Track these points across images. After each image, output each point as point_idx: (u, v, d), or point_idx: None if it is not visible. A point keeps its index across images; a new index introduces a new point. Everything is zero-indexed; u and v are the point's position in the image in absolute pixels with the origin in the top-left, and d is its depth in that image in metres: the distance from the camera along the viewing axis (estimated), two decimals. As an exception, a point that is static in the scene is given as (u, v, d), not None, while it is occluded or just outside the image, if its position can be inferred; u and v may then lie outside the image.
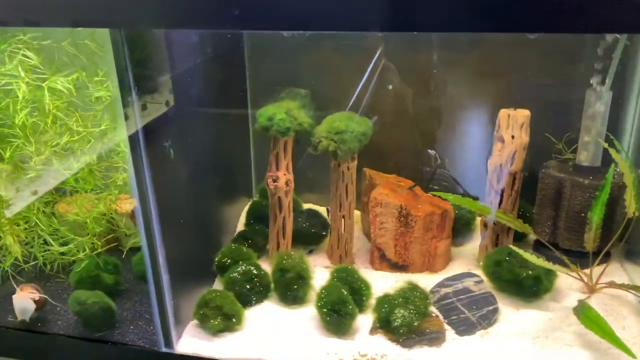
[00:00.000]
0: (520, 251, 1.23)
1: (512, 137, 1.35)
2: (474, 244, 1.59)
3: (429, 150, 1.67)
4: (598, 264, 1.34)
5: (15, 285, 1.37)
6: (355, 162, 1.44)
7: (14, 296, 1.33)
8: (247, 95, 1.67)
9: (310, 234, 1.56)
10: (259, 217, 1.61)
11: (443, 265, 1.52)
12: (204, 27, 1.15)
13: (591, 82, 1.33)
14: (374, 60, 1.56)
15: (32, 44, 1.33)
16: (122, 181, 1.32)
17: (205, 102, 1.41)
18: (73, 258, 1.38)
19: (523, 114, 1.35)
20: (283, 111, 1.37)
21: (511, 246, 1.30)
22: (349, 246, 1.52)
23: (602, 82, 1.33)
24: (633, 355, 1.05)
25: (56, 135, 1.25)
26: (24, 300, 1.31)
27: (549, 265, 1.22)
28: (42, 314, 1.36)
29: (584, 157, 1.38)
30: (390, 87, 1.63)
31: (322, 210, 1.66)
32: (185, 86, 1.27)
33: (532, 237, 1.49)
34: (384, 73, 1.59)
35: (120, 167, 1.34)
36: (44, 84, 1.22)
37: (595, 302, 1.29)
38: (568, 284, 1.37)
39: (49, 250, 1.38)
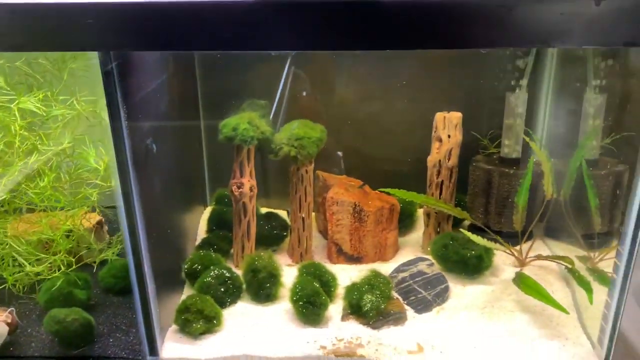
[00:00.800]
0: (468, 233, 1.43)
1: (449, 136, 1.55)
2: (417, 233, 1.77)
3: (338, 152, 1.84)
4: (525, 242, 1.58)
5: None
6: (313, 165, 1.57)
7: (-17, 321, 1.30)
8: (199, 108, 1.73)
9: (272, 235, 1.66)
10: (220, 223, 1.68)
11: (393, 254, 1.68)
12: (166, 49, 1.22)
13: (512, 85, 1.57)
14: (285, 70, 1.70)
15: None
16: (94, 196, 1.34)
17: (161, 116, 1.46)
18: (45, 277, 1.37)
19: (456, 116, 1.55)
20: (246, 121, 1.46)
21: (464, 231, 1.49)
22: (309, 244, 1.64)
23: (519, 86, 1.56)
24: (566, 312, 1.27)
25: (23, 154, 1.25)
26: (-4, 324, 1.29)
27: (490, 244, 1.42)
28: (13, 337, 1.34)
29: (507, 151, 1.61)
30: (304, 93, 1.78)
31: (282, 213, 1.76)
32: (143, 101, 1.32)
33: (467, 222, 1.71)
34: (295, 81, 1.74)
35: (89, 182, 1.36)
36: (12, 105, 1.22)
37: (527, 273, 1.52)
38: (502, 260, 1.59)
39: (20, 271, 1.36)
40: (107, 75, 1.06)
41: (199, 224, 1.80)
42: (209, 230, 1.71)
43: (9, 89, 1.26)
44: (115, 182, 1.14)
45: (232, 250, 1.62)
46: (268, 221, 1.67)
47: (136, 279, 1.23)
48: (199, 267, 1.49)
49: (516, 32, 0.98)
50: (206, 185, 1.86)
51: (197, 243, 1.66)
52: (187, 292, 1.51)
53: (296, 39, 1.01)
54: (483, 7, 0.96)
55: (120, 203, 1.15)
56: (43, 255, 1.34)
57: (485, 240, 1.43)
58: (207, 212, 1.83)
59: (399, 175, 1.78)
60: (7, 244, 1.32)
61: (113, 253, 1.50)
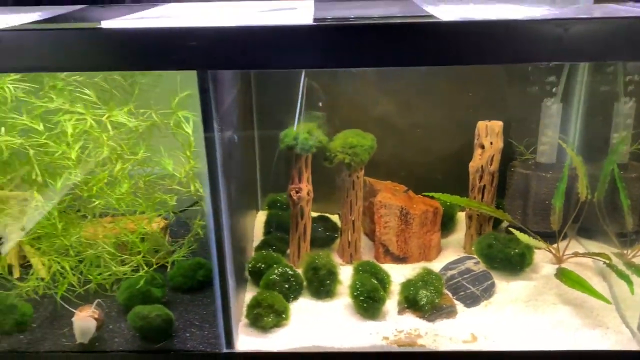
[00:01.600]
0: (517, 232, 1.55)
1: (491, 143, 1.68)
2: (457, 234, 1.90)
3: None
4: (560, 241, 1.70)
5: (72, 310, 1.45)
6: (363, 171, 1.69)
7: (74, 318, 1.40)
8: (254, 118, 1.85)
9: (324, 237, 1.78)
10: (277, 226, 1.80)
11: (436, 255, 1.80)
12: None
13: (547, 96, 1.70)
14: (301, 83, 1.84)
15: (73, 82, 1.44)
16: (173, 201, 1.46)
17: (233, 128, 1.58)
18: (125, 276, 1.48)
19: (498, 124, 1.68)
20: (305, 131, 1.58)
21: (514, 230, 1.61)
22: (358, 245, 1.76)
23: (554, 96, 1.69)
24: (608, 302, 1.39)
25: (111, 164, 1.36)
26: (86, 321, 1.39)
27: (536, 242, 1.55)
28: (98, 334, 1.44)
29: (544, 157, 1.74)
30: (320, 104, 1.90)
31: (334, 216, 1.88)
32: (224, 114, 1.44)
33: (504, 224, 1.84)
34: (310, 93, 1.87)
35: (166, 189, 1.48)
36: (103, 118, 1.33)
37: (565, 269, 1.65)
38: (540, 258, 1.71)
39: (104, 272, 1.47)
40: (204, 92, 1.18)
41: (254, 226, 1.91)
42: (266, 232, 1.82)
43: (100, 103, 1.38)
44: (205, 188, 1.26)
45: (288, 251, 1.74)
46: (320, 224, 1.79)
47: (219, 276, 1.34)
48: (262, 265, 1.60)
49: (572, 48, 1.11)
50: (258, 191, 1.98)
51: (255, 244, 1.78)
52: (249, 289, 1.63)
53: (354, 57, 1.13)
54: (544, 26, 1.10)
55: (209, 207, 1.27)
56: (126, 256, 1.46)
57: (531, 238, 1.56)
58: (260, 215, 1.95)
59: (438, 180, 1.91)
60: (95, 246, 1.43)
61: (184, 255, 1.61)
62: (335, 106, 1.85)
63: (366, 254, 1.82)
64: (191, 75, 1.48)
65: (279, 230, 1.80)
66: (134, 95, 1.56)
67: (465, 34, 1.11)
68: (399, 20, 1.16)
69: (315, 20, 1.13)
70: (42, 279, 1.46)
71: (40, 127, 1.31)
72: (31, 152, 1.32)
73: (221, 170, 1.25)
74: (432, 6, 1.42)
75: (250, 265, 1.62)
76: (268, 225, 1.84)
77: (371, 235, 1.86)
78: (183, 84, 1.52)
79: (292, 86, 1.86)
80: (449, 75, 1.84)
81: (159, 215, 1.55)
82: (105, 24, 1.13)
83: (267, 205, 1.95)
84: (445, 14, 1.23)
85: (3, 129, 1.33)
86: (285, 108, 1.80)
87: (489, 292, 1.57)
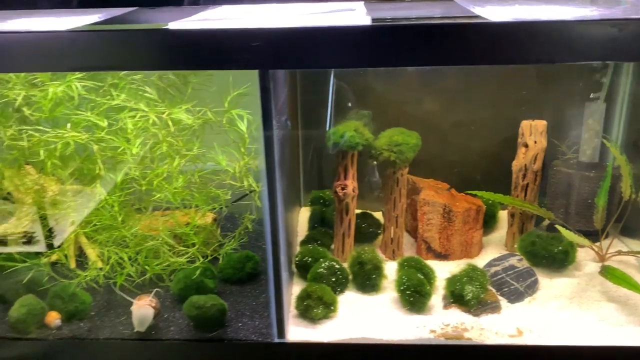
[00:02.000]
0: (564, 230, 1.57)
1: (535, 142, 1.70)
2: (498, 232, 1.92)
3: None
4: (603, 239, 1.71)
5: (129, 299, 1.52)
6: (407, 169, 1.72)
7: (132, 307, 1.47)
8: (298, 118, 1.90)
9: (368, 233, 1.82)
10: (321, 221, 1.85)
11: (477, 252, 1.83)
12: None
13: (590, 96, 1.71)
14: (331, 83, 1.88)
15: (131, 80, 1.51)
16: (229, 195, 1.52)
17: (284, 126, 1.63)
18: (179, 267, 1.54)
19: (542, 124, 1.70)
20: (352, 129, 1.63)
21: (561, 228, 1.63)
22: (401, 241, 1.79)
23: (597, 97, 1.71)
24: (656, 299, 1.41)
25: (170, 159, 1.42)
26: (144, 309, 1.45)
27: (580, 239, 1.57)
28: (154, 322, 1.51)
29: (587, 156, 1.76)
30: (349, 104, 1.94)
31: (376, 214, 1.92)
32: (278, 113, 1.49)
33: (546, 222, 1.85)
34: (339, 93, 1.91)
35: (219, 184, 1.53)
36: (164, 115, 1.39)
37: (608, 267, 1.66)
38: (582, 256, 1.72)
39: (161, 263, 1.53)
40: (265, 91, 1.23)
41: (298, 222, 1.96)
42: (311, 227, 1.87)
43: (160, 101, 1.44)
44: (263, 182, 1.31)
45: (332, 246, 1.79)
46: (364, 220, 1.83)
47: (273, 269, 1.39)
48: (309, 259, 1.65)
49: (626, 48, 1.13)
50: (301, 188, 2.03)
51: (300, 239, 1.82)
52: (295, 282, 1.67)
53: (411, 56, 1.17)
54: (599, 26, 1.13)
55: (265, 202, 1.32)
56: (183, 248, 1.52)
57: (576, 235, 1.58)
58: (303, 211, 2.00)
59: (478, 178, 1.94)
60: (152, 238, 1.49)
61: (234, 247, 1.67)
62: (379, 105, 1.89)
63: (408, 250, 1.85)
64: (243, 75, 1.55)
65: (323, 226, 1.85)
66: (187, 93, 1.62)
67: (522, 34, 1.14)
68: (456, 21, 1.19)
69: (373, 20, 1.17)
70: (101, 269, 1.52)
71: (105, 124, 1.37)
72: (95, 147, 1.39)
73: (279, 167, 1.30)
74: (479, 7, 1.45)
75: (297, 259, 1.67)
76: (312, 220, 1.89)
77: (412, 232, 1.89)
78: (235, 84, 1.57)
79: (334, 85, 1.92)
80: (491, 74, 1.87)
81: (213, 209, 1.60)
82: (173, 25, 1.18)
83: (310, 202, 1.99)
84: (494, 14, 1.26)
85: (69, 124, 1.40)
86: (327, 107, 1.86)
87: (532, 288, 1.59)
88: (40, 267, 1.54)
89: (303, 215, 2.00)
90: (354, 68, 1.71)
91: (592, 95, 1.71)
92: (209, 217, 1.72)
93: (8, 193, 1.62)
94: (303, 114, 1.93)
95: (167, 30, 1.17)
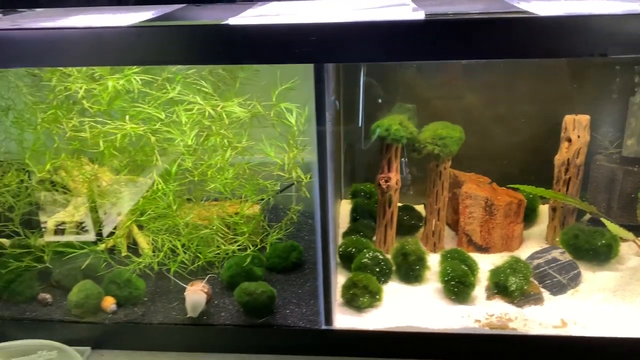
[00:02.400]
0: (608, 222, 1.59)
1: (578, 136, 1.71)
2: (538, 226, 1.94)
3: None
4: (645, 234, 1.72)
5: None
6: (450, 163, 1.75)
7: (186, 293, 1.52)
8: (341, 113, 1.94)
9: (409, 225, 1.85)
10: (363, 213, 1.89)
11: (518, 245, 1.84)
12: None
13: (635, 90, 1.72)
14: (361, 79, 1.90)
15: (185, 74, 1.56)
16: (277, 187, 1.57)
17: (331, 119, 1.67)
18: (228, 255, 1.60)
19: (585, 118, 1.71)
20: (397, 122, 1.66)
21: (604, 220, 1.64)
22: (442, 234, 1.82)
23: (642, 91, 1.72)
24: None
25: (223, 151, 1.48)
26: (197, 294, 1.50)
27: (627, 233, 1.58)
28: (205, 308, 1.56)
29: (630, 150, 1.76)
30: (380, 101, 1.96)
31: (418, 206, 1.95)
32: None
33: (587, 216, 1.86)
34: (368, 89, 1.93)
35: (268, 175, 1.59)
36: (218, 108, 1.44)
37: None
38: (625, 250, 1.73)
39: (214, 250, 1.59)
40: (319, 84, 1.27)
41: (339, 213, 2.01)
42: (353, 219, 1.91)
43: (214, 95, 1.49)
44: (314, 173, 1.35)
45: (374, 238, 1.82)
46: (405, 212, 1.86)
47: (322, 258, 1.43)
48: (353, 250, 1.69)
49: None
50: (342, 181, 2.07)
51: (341, 231, 1.86)
52: (339, 272, 1.71)
53: (465, 50, 1.20)
54: None
55: (316, 191, 1.36)
56: (233, 237, 1.57)
57: (621, 229, 1.59)
58: (343, 204, 2.04)
59: (517, 172, 1.95)
60: (203, 227, 1.55)
61: (279, 237, 1.72)
62: (422, 99, 1.92)
63: (448, 243, 1.88)
64: (290, 70, 1.59)
65: (365, 218, 1.88)
66: (235, 88, 1.67)
67: (575, 28, 1.15)
68: (509, 15, 1.21)
69: (427, 15, 1.20)
70: (156, 256, 1.58)
71: (163, 116, 1.43)
72: (153, 139, 1.44)
73: (330, 159, 1.34)
74: (525, 2, 1.47)
75: (340, 250, 1.71)
76: (354, 212, 1.92)
77: (453, 225, 1.92)
78: (281, 78, 1.62)
79: (375, 80, 1.95)
80: (533, 68, 1.88)
81: (261, 200, 1.65)
82: (233, 21, 1.23)
83: (350, 194, 2.03)
84: (543, 9, 1.27)
85: (127, 117, 1.46)
86: (370, 100, 1.89)
87: (575, 281, 1.61)
88: (98, 253, 1.61)
89: (343, 208, 2.04)
90: (408, 61, 1.74)
91: (636, 90, 1.71)
92: (255, 208, 1.77)
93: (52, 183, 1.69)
94: (344, 108, 1.96)
95: (228, 25, 1.21)
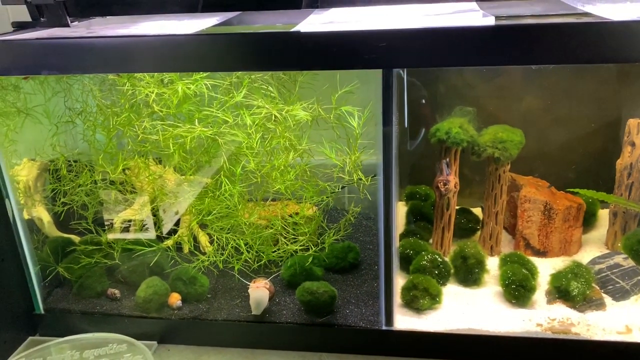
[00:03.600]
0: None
1: (642, 141, 1.69)
2: (597, 230, 1.91)
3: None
4: None
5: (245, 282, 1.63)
6: (509, 166, 1.75)
7: (250, 290, 1.57)
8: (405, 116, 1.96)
9: (466, 228, 1.86)
10: (419, 215, 1.90)
11: (576, 250, 1.83)
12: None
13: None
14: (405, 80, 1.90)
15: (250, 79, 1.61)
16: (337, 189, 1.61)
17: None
18: (295, 253, 1.64)
19: (650, 122, 1.69)
20: (457, 126, 1.67)
21: None
22: (499, 237, 1.82)
23: None
24: None
25: (285, 153, 1.52)
26: (260, 291, 1.55)
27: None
28: (268, 306, 1.60)
29: (696, 155, 1.73)
30: (423, 101, 1.95)
31: (475, 209, 1.95)
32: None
33: (648, 222, 1.83)
34: (410, 90, 1.93)
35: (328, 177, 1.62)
36: (284, 112, 1.48)
37: None
38: (690, 257, 1.70)
39: (278, 249, 1.64)
40: (387, 88, 1.29)
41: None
42: (409, 221, 1.93)
43: (280, 99, 1.53)
44: (379, 176, 1.38)
45: (430, 240, 1.83)
46: (463, 215, 1.87)
47: (384, 260, 1.45)
48: (411, 252, 1.70)
49: None
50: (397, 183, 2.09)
51: (398, 232, 1.88)
52: (397, 273, 1.73)
53: (533, 54, 1.19)
54: None
55: (380, 195, 1.39)
56: (294, 236, 1.61)
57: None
58: (399, 205, 2.06)
59: (575, 176, 1.93)
60: (265, 226, 1.60)
61: (336, 238, 1.75)
62: (480, 102, 1.92)
63: (505, 246, 1.87)
64: (348, 74, 1.62)
65: (421, 220, 1.90)
66: (295, 92, 1.71)
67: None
68: (579, 19, 1.21)
69: (497, 19, 1.21)
70: (222, 254, 1.63)
71: (230, 119, 1.48)
72: (221, 141, 1.49)
73: (395, 162, 1.36)
74: (590, 5, 1.46)
75: (399, 251, 1.72)
76: (410, 214, 1.94)
77: (510, 228, 1.91)
78: (341, 82, 1.65)
79: (429, 84, 1.96)
80: (596, 70, 1.86)
81: (321, 201, 1.68)
82: (303, 28, 1.26)
83: (405, 197, 2.05)
84: (610, 12, 1.26)
85: (197, 120, 1.51)
86: (425, 103, 1.90)
87: (639, 287, 1.58)
88: (166, 250, 1.67)
89: (398, 210, 2.05)
90: (473, 66, 1.75)
91: None
92: (314, 209, 1.80)
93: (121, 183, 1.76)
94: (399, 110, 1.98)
95: (299, 32, 1.25)
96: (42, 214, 1.82)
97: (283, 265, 1.69)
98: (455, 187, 1.73)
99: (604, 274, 1.61)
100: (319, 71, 1.73)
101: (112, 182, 1.69)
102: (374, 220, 1.95)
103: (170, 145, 1.51)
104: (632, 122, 1.70)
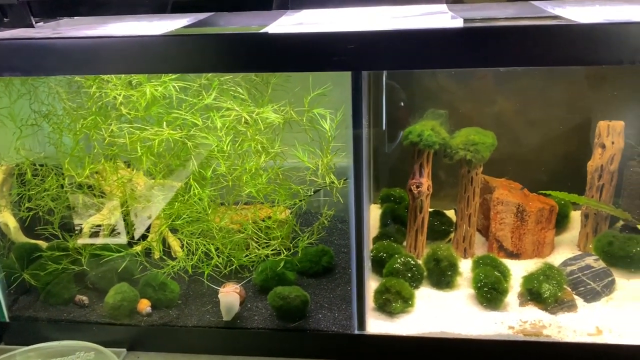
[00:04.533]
0: (645, 230, 1.58)
1: (612, 143, 1.70)
2: (569, 232, 1.92)
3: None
4: (681, 241, 1.70)
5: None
6: (482, 168, 1.75)
7: (220, 295, 1.54)
8: (370, 119, 1.96)
9: (440, 230, 1.85)
10: (393, 218, 1.90)
11: (549, 252, 1.83)
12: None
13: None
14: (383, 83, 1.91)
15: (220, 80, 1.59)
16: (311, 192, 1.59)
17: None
18: (267, 258, 1.62)
19: (619, 124, 1.70)
20: (429, 128, 1.66)
21: None
22: (473, 240, 1.82)
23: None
24: None
25: (257, 156, 1.50)
26: (230, 296, 1.52)
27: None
28: (239, 311, 1.57)
29: (665, 157, 1.75)
30: (402, 104, 1.96)
31: (448, 212, 1.96)
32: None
33: (619, 223, 1.85)
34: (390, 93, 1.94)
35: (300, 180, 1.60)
36: (254, 114, 1.46)
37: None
38: (659, 258, 1.72)
39: (249, 254, 1.62)
40: (356, 90, 1.28)
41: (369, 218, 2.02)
42: (383, 224, 1.92)
43: (249, 100, 1.51)
44: (350, 179, 1.36)
45: (404, 243, 1.83)
46: (436, 218, 1.87)
47: (356, 264, 1.44)
48: (384, 255, 1.69)
49: None
50: (371, 186, 2.08)
51: (372, 235, 1.87)
52: (371, 277, 1.72)
53: (501, 57, 1.20)
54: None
55: (351, 197, 1.38)
56: (266, 240, 1.59)
57: (658, 236, 1.58)
58: (373, 209, 2.05)
59: (548, 178, 1.95)
60: (235, 231, 1.57)
61: (310, 242, 1.73)
62: (453, 105, 1.92)
63: (478, 248, 1.87)
64: (322, 76, 1.60)
65: (395, 223, 1.89)
66: (267, 94, 1.69)
67: (613, 35, 1.15)
68: (544, 22, 1.21)
69: (465, 22, 1.21)
70: (190, 259, 1.61)
71: (200, 122, 1.45)
72: (190, 144, 1.47)
73: (365, 165, 1.35)
74: (559, 8, 1.46)
75: (372, 254, 1.71)
76: (384, 217, 1.93)
77: (483, 231, 1.92)
78: (313, 85, 1.63)
79: (403, 87, 1.96)
80: (567, 74, 1.87)
81: (294, 205, 1.66)
82: (271, 30, 1.25)
83: (380, 199, 2.04)
84: (578, 15, 1.27)
85: (165, 123, 1.49)
86: (396, 106, 1.91)
87: (609, 288, 1.59)
88: (134, 256, 1.64)
89: (372, 213, 2.05)
90: (445, 69, 1.75)
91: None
92: (287, 212, 1.79)
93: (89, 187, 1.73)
94: (372, 113, 1.97)
95: (268, 34, 1.23)
96: (8, 220, 1.77)
97: (255, 270, 1.67)
98: (428, 189, 1.73)
99: (575, 276, 1.62)
100: (292, 74, 1.73)
101: (80, 186, 1.65)
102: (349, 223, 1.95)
103: (138, 148, 1.49)
104: (602, 125, 1.72)
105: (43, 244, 1.77)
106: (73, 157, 1.59)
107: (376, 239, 1.83)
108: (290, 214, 1.80)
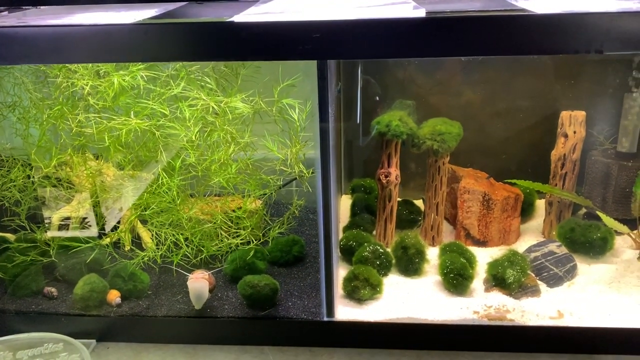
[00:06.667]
0: (604, 216, 1.62)
1: (574, 132, 1.74)
2: (535, 220, 1.97)
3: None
4: (640, 227, 1.76)
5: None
6: (448, 158, 1.78)
7: (188, 282, 1.54)
8: (341, 110, 1.97)
9: (408, 219, 1.88)
10: (363, 208, 1.92)
11: (515, 239, 1.88)
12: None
13: (630, 86, 1.75)
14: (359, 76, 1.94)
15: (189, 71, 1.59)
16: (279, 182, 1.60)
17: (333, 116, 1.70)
18: (237, 248, 1.63)
19: (581, 114, 1.75)
20: (397, 118, 1.69)
21: (600, 213, 1.68)
22: (440, 228, 1.85)
23: (637, 87, 1.75)
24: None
25: (225, 146, 1.50)
26: (199, 282, 1.52)
27: (621, 227, 1.61)
28: (209, 299, 1.58)
29: (625, 146, 1.80)
30: (377, 98, 2.00)
31: (417, 201, 1.99)
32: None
33: (582, 211, 1.90)
34: (366, 87, 1.97)
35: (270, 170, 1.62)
36: (222, 104, 1.47)
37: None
38: (619, 244, 1.77)
39: (219, 243, 1.62)
40: (322, 79, 1.30)
41: (340, 208, 2.04)
42: (353, 213, 1.94)
43: (218, 90, 1.52)
44: (317, 169, 1.38)
45: (374, 232, 1.85)
46: (405, 207, 1.89)
47: (324, 252, 1.46)
48: (353, 243, 1.72)
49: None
50: (342, 176, 2.10)
51: (342, 225, 1.89)
52: (340, 265, 1.74)
53: (464, 47, 1.22)
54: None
55: (319, 187, 1.39)
56: (236, 230, 1.60)
57: (616, 222, 1.63)
58: (344, 199, 2.07)
59: (514, 168, 1.99)
60: (206, 221, 1.58)
61: (281, 232, 1.74)
62: (421, 95, 1.95)
63: (447, 237, 1.91)
64: (291, 67, 1.62)
65: (365, 212, 1.92)
66: (237, 84, 1.69)
67: (572, 25, 1.18)
68: (507, 13, 1.24)
69: (428, 13, 1.23)
70: (159, 248, 1.61)
71: (167, 112, 1.45)
72: (157, 134, 1.47)
73: (333, 154, 1.36)
74: (525, 1, 1.50)
75: (342, 243, 1.74)
76: (354, 207, 1.95)
77: (451, 219, 1.95)
78: (283, 75, 1.64)
79: (375, 78, 1.98)
80: (530, 64, 1.91)
81: (263, 194, 1.67)
82: (238, 19, 1.25)
83: (351, 189, 2.06)
84: (541, 7, 1.30)
85: (132, 113, 1.48)
86: (369, 97, 1.93)
87: (571, 273, 1.64)
88: (103, 247, 1.63)
89: (343, 203, 2.07)
90: (409, 58, 1.77)
91: (630, 84, 1.75)
92: (257, 203, 1.80)
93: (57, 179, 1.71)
94: (344, 105, 1.99)
95: (233, 23, 1.24)
96: (-25, 212, 1.75)
97: (225, 259, 1.68)
98: (396, 179, 1.76)
99: (539, 262, 1.67)
100: (262, 64, 1.74)
101: (48, 177, 1.64)
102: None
103: (106, 138, 1.48)
104: (564, 114, 1.76)
105: (11, 236, 1.75)
106: (40, 147, 1.57)
107: (346, 228, 1.85)
108: (261, 204, 1.82)
